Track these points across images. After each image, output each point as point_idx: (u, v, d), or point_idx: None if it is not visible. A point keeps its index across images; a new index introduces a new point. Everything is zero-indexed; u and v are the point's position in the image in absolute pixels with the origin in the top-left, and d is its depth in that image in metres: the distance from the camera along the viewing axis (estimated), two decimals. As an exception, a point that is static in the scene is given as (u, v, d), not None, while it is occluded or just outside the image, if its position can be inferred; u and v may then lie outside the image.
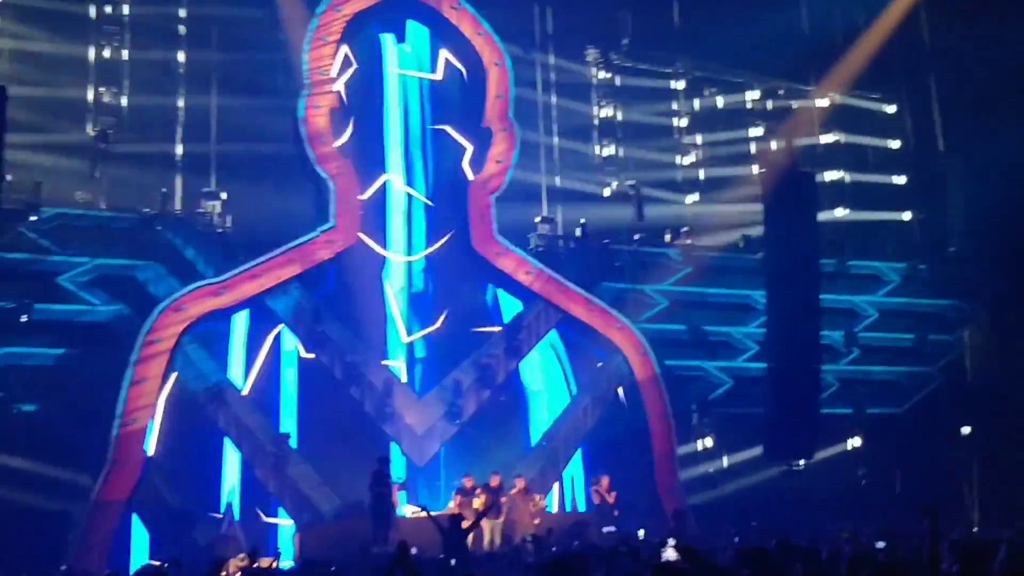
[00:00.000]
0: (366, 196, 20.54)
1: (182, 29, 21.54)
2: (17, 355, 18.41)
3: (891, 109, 27.54)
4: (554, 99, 24.37)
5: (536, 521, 18.59)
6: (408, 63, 22.25)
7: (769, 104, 26.54)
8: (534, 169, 23.57)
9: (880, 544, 13.66)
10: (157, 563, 15.54)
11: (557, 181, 24.07)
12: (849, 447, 23.90)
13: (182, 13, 21.44)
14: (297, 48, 20.42)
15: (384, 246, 21.01)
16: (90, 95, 20.52)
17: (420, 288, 21.56)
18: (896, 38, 25.47)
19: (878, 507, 20.35)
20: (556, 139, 24.16)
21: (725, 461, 23.05)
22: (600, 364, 22.16)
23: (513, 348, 21.39)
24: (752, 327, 24.12)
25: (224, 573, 14.24)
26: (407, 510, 18.88)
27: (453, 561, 14.86)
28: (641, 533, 19.15)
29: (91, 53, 20.49)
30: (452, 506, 18.23)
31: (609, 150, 24.92)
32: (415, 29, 22.32)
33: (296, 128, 20.20)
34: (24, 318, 18.30)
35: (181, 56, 21.44)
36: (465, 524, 16.08)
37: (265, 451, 19.06)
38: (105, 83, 20.66)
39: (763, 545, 12.98)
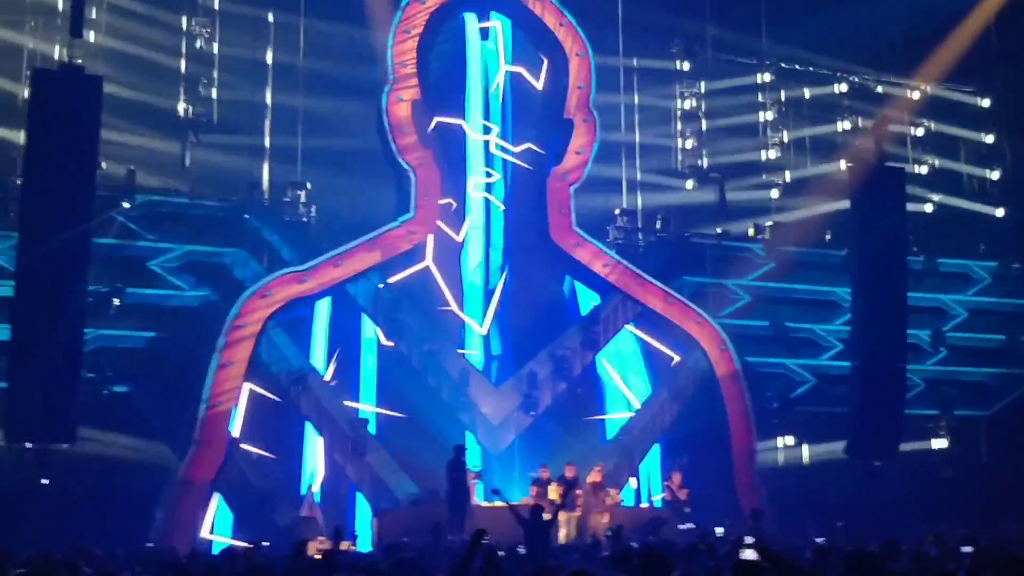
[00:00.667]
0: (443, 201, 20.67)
1: (271, 22, 21.89)
2: (110, 337, 18.99)
3: (986, 102, 26.77)
4: (636, 90, 24.18)
5: (605, 518, 18.50)
6: (489, 54, 22.32)
7: (858, 96, 25.99)
8: (614, 161, 23.44)
9: (967, 549, 13.29)
10: (240, 544, 15.92)
11: (637, 173, 23.88)
12: (935, 448, 23.34)
13: (270, 18, 21.80)
14: (382, 41, 20.67)
15: (464, 237, 21.14)
16: (182, 88, 20.97)
17: (498, 279, 21.64)
18: (992, 29, 24.71)
19: (963, 510, 19.82)
20: (637, 131, 23.98)
21: (805, 458, 22.68)
22: (679, 359, 21.98)
23: (590, 340, 21.37)
24: (836, 324, 23.71)
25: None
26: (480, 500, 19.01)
27: (532, 552, 14.92)
28: (719, 530, 19.00)
29: (183, 44, 20.96)
30: (530, 498, 18.27)
31: (692, 143, 24.63)
32: (495, 20, 22.35)
33: (379, 119, 20.46)
34: (116, 302, 18.90)
35: (268, 55, 21.80)
36: (546, 516, 16.14)
37: (344, 436, 19.38)
38: (197, 74, 21.15)
39: (844, 546, 12.80)
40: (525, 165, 21.73)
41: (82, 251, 17.40)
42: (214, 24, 21.37)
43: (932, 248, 24.40)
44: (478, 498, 18.67)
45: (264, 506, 18.65)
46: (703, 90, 25.01)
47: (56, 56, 19.63)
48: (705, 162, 24.57)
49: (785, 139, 25.47)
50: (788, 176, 25.33)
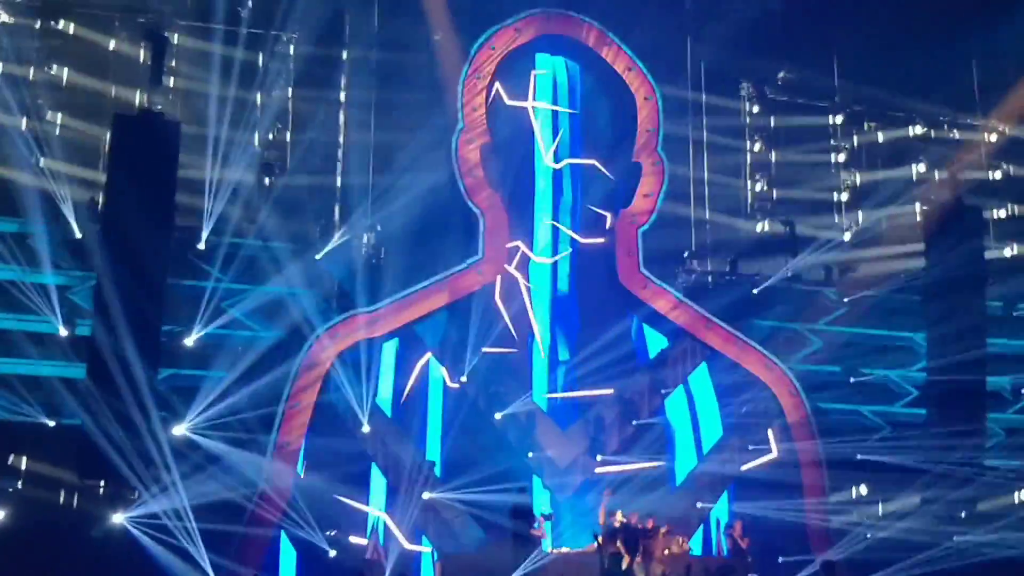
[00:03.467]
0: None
1: (343, 69, 22.24)
2: (181, 377, 19.31)
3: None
4: (705, 134, 24.03)
5: (659, 567, 18.21)
6: (558, 99, 22.42)
7: (933, 139, 25.51)
8: (684, 203, 23.27)
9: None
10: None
11: (706, 214, 23.67)
12: (1016, 501, 22.54)
13: (344, 55, 22.14)
14: (452, 86, 20.92)
15: (530, 280, 21.15)
16: (256, 134, 21.37)
17: (564, 350, 21.51)
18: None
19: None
20: (707, 174, 23.80)
21: (880, 510, 22.05)
22: (749, 404, 21.61)
23: (658, 384, 21.17)
24: (912, 371, 23.15)
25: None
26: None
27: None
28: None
29: (259, 96, 21.38)
30: (595, 543, 18.10)
31: (761, 186, 24.34)
32: (563, 64, 22.47)
33: (449, 163, 20.64)
34: (188, 342, 19.24)
35: (342, 96, 22.14)
36: (625, 563, 16.03)
37: (411, 478, 19.38)
38: (271, 119, 21.54)
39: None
40: (601, 211, 21.67)
41: (157, 291, 17.84)
42: (288, 67, 21.76)
43: (1012, 294, 23.70)
44: (547, 543, 18.52)
45: (329, 547, 18.68)
46: (773, 130, 24.75)
47: (136, 102, 20.15)
48: (775, 204, 24.23)
49: (858, 182, 25.02)
50: (861, 218, 24.85)
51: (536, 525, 18.58)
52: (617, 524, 18.42)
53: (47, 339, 18.93)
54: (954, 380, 20.79)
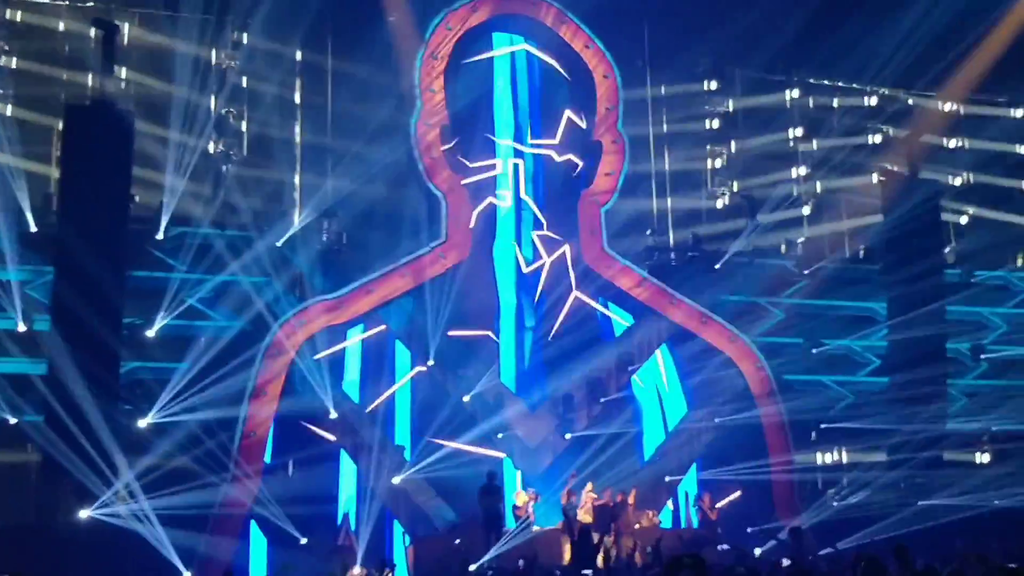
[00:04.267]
0: (476, 213, 20.66)
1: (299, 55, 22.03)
2: (143, 369, 19.12)
3: (1019, 113, 26.46)
4: (664, 111, 24.09)
5: (629, 541, 18.34)
6: (517, 79, 22.33)
7: (889, 110, 25.77)
8: (645, 182, 23.34)
9: (1012, 566, 12.99)
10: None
11: (668, 193, 23.77)
12: (977, 463, 22.95)
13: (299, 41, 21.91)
14: (409, 67, 20.76)
15: (494, 260, 21.11)
16: (212, 120, 21.08)
17: (530, 316, 21.52)
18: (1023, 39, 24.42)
19: (1008, 526, 19.43)
20: (667, 151, 23.88)
21: (845, 478, 22.35)
22: (714, 378, 21.76)
23: (625, 361, 21.27)
24: (874, 340, 23.44)
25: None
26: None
27: (587, 572, 14.92)
28: (757, 551, 18.80)
29: (214, 83, 21.09)
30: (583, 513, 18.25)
31: (721, 161, 24.47)
32: (522, 44, 22.39)
33: (408, 145, 20.51)
34: (149, 333, 19.05)
35: (298, 83, 21.93)
36: (596, 539, 16.16)
37: (380, 463, 19.32)
38: (226, 106, 21.29)
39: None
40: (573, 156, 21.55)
41: (116, 283, 17.62)
42: (243, 57, 21.52)
43: (969, 261, 24.05)
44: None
45: (299, 534, 18.60)
46: (731, 108, 24.85)
47: (89, 84, 19.82)
48: (735, 180, 24.38)
49: (815, 153, 25.22)
50: (819, 189, 25.08)
51: (502, 505, 18.65)
52: (589, 501, 18.53)
53: (5, 336, 18.66)
54: (915, 347, 21.05)
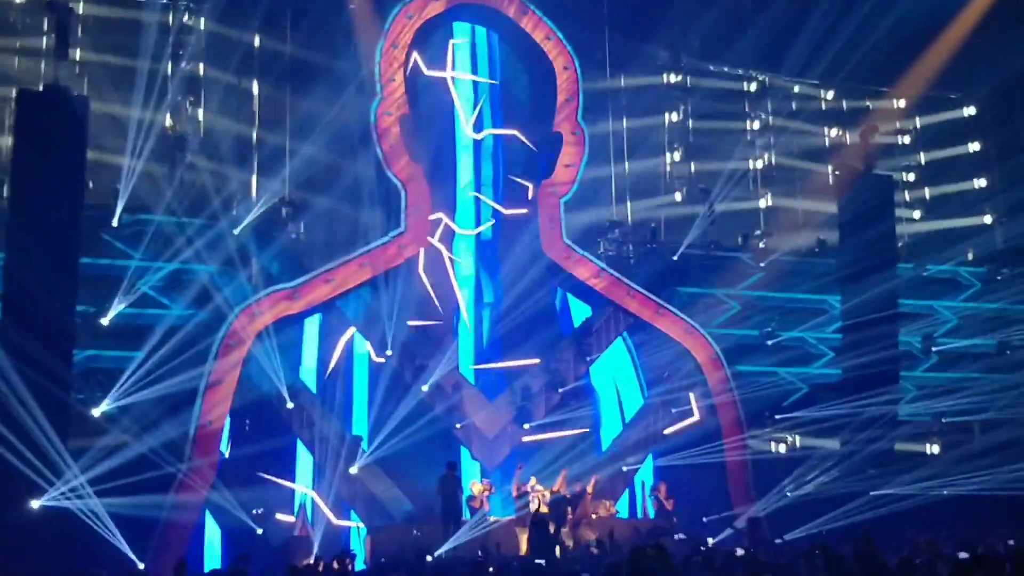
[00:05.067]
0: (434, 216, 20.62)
1: (256, 39, 21.77)
2: (97, 358, 18.86)
3: (971, 110, 26.90)
4: (624, 103, 24.18)
5: (591, 530, 18.47)
6: (477, 69, 22.31)
7: (844, 105, 26.08)
8: (604, 173, 23.42)
9: (963, 555, 13.27)
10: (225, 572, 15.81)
11: (627, 185, 23.86)
12: (928, 453, 23.38)
13: (256, 24, 21.64)
14: (369, 56, 20.64)
15: (453, 251, 21.10)
16: (167, 106, 20.79)
17: (489, 292, 21.60)
18: (976, 37, 24.79)
19: (958, 516, 19.81)
20: (625, 143, 23.97)
21: (799, 468, 22.62)
22: (671, 369, 21.94)
23: (583, 352, 21.37)
24: (827, 332, 23.75)
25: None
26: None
27: (540, 561, 14.97)
28: (710, 540, 19.01)
29: (168, 66, 20.81)
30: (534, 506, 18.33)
31: (679, 154, 24.60)
32: (482, 34, 22.37)
33: (367, 135, 20.41)
34: (104, 322, 18.79)
35: (254, 65, 21.65)
36: (552, 529, 16.22)
37: (337, 454, 19.25)
38: (182, 92, 20.99)
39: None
40: (523, 181, 21.66)
41: (70, 271, 17.35)
42: (199, 44, 21.24)
43: (921, 254, 24.45)
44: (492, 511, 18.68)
45: (255, 525, 18.49)
46: (689, 101, 24.98)
47: (42, 73, 19.48)
48: (693, 172, 24.52)
49: (772, 147, 25.45)
50: (775, 184, 25.30)
51: (460, 496, 18.67)
52: (534, 493, 18.62)
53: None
54: (868, 340, 21.35)
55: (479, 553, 16.54)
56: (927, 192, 26.26)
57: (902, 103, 26.13)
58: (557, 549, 17.23)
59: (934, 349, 24.30)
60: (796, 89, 25.74)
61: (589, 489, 19.44)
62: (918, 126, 26.69)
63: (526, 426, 20.65)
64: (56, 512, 16.47)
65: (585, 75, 21.90)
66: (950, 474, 21.96)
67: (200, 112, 21.18)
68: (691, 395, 21.72)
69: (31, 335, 16.25)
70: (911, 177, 26.20)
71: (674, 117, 24.78)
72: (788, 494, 21.04)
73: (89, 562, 14.38)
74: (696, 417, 21.49)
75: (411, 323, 20.13)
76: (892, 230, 23.03)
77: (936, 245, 25.15)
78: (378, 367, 20.15)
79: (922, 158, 26.51)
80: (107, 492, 16.65)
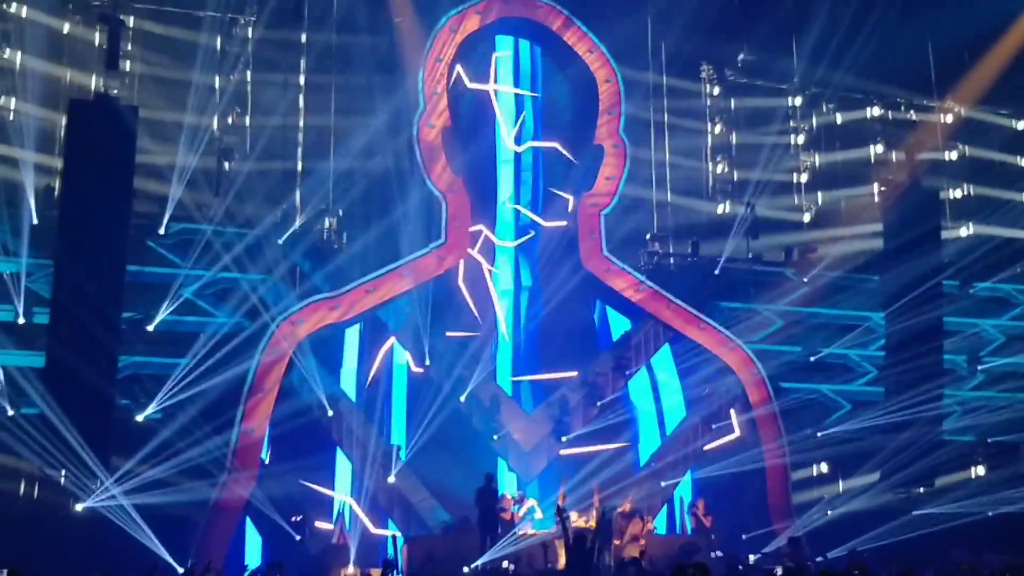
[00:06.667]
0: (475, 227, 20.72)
1: (302, 52, 22.02)
2: (142, 364, 19.16)
3: (1021, 125, 26.50)
4: (666, 117, 24.11)
5: (640, 543, 18.36)
6: (520, 82, 22.41)
7: (891, 119, 25.79)
8: (645, 186, 23.37)
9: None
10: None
11: (668, 199, 23.77)
12: (972, 476, 22.98)
13: (303, 38, 21.90)
14: (413, 68, 20.83)
15: (494, 263, 21.17)
16: (215, 118, 21.09)
17: (528, 304, 21.62)
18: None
19: (1004, 539, 19.46)
20: (668, 156, 23.90)
21: (841, 486, 22.38)
22: (711, 385, 21.80)
23: (622, 366, 21.31)
24: (871, 350, 23.47)
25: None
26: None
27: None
28: (752, 558, 18.84)
29: (217, 80, 21.11)
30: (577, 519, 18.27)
31: (722, 166, 24.49)
32: (525, 47, 22.46)
33: (410, 146, 20.57)
34: (149, 328, 19.09)
35: (301, 80, 21.89)
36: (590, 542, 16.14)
37: (376, 463, 19.37)
38: (229, 104, 21.30)
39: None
40: (563, 194, 21.71)
41: (116, 278, 17.67)
42: (247, 55, 21.52)
43: (968, 272, 24.09)
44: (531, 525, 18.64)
45: (294, 532, 18.64)
46: (733, 113, 24.86)
47: (92, 87, 19.88)
48: (736, 186, 24.37)
49: (817, 162, 25.23)
50: (820, 199, 25.07)
51: (510, 507, 18.66)
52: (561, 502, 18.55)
53: (5, 328, 18.68)
54: (911, 358, 21.09)
55: (511, 567, 16.51)
56: (975, 209, 25.83)
57: (949, 118, 25.78)
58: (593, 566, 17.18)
59: (979, 368, 23.91)
60: (840, 104, 25.44)
61: (627, 506, 19.29)
62: (965, 142, 26.26)
63: (564, 439, 20.62)
64: (98, 516, 16.75)
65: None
66: (994, 492, 21.66)
67: (247, 121, 21.45)
68: (732, 411, 21.53)
69: (78, 340, 16.59)
70: (958, 194, 25.80)
71: (717, 129, 24.65)
72: (828, 512, 20.79)
73: (128, 566, 14.56)
74: (737, 433, 21.32)
75: (449, 334, 20.21)
76: (938, 246, 22.73)
77: (983, 262, 24.74)
78: (417, 377, 20.25)
79: (969, 174, 26.07)
80: (148, 497, 16.89)
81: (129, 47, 20.29)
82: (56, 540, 16.32)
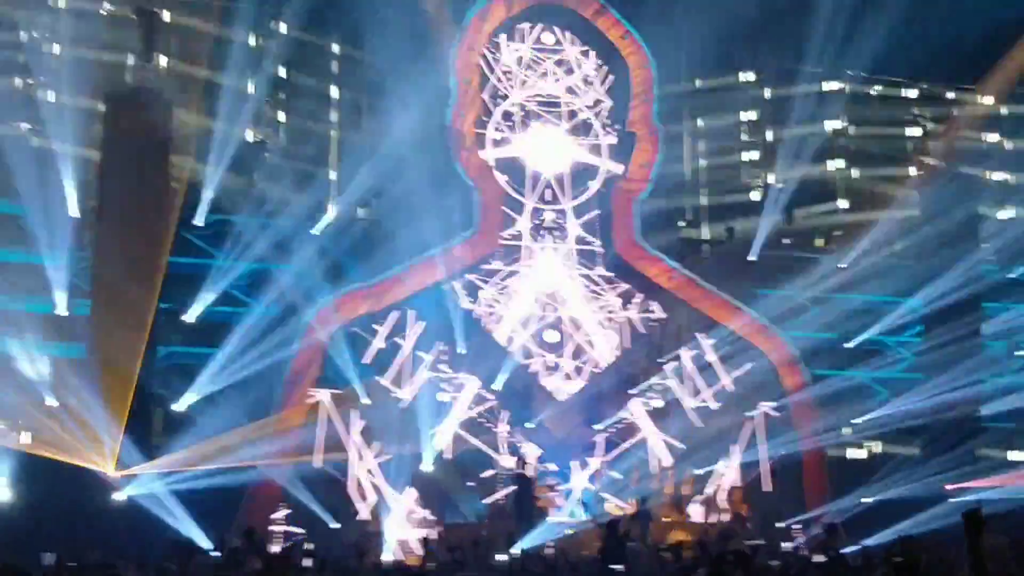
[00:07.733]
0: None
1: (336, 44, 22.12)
2: (179, 353, 19.38)
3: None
4: (700, 103, 23.99)
5: (681, 531, 18.33)
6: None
7: (927, 103, 25.47)
8: (679, 173, 23.26)
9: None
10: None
11: (702, 185, 23.67)
12: (1010, 459, 22.72)
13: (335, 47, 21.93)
14: (445, 59, 20.84)
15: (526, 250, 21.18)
16: (251, 111, 21.19)
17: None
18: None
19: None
20: (702, 144, 23.78)
21: (878, 472, 22.15)
22: (748, 371, 21.63)
23: (655, 353, 21.21)
24: (908, 336, 23.21)
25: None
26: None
27: (618, 567, 14.93)
28: (787, 545, 18.72)
29: (251, 71, 21.24)
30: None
31: (757, 153, 24.32)
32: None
33: (442, 136, 20.60)
34: (186, 318, 19.30)
35: (335, 68, 22.02)
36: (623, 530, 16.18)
37: (412, 451, 19.45)
38: (265, 97, 21.46)
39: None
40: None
41: (154, 269, 17.89)
42: (281, 50, 21.66)
43: (1006, 256, 23.75)
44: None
45: (330, 519, 18.78)
46: (768, 100, 24.68)
47: (129, 80, 20.13)
48: (771, 172, 24.20)
49: (851, 147, 24.98)
50: (857, 182, 24.81)
51: (532, 491, 18.71)
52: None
53: (46, 318, 18.97)
54: (950, 343, 20.87)
55: (548, 553, 16.53)
56: (1014, 192, 25.47)
57: (989, 100, 25.42)
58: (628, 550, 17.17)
59: (1017, 352, 23.59)
60: (878, 89, 25.16)
61: (667, 492, 19.23)
62: (1005, 126, 25.89)
63: (596, 427, 20.59)
64: (137, 501, 16.99)
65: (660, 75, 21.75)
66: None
67: (281, 115, 21.61)
68: (766, 399, 21.39)
69: (116, 330, 16.82)
70: (997, 177, 25.44)
71: (751, 115, 24.48)
72: (866, 499, 20.61)
73: (167, 550, 14.75)
74: (773, 415, 21.15)
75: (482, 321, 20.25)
76: (976, 230, 22.45)
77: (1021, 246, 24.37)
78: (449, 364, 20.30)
79: (1008, 157, 25.69)
80: (186, 484, 17.10)
81: (166, 34, 20.46)
82: (97, 526, 16.55)
